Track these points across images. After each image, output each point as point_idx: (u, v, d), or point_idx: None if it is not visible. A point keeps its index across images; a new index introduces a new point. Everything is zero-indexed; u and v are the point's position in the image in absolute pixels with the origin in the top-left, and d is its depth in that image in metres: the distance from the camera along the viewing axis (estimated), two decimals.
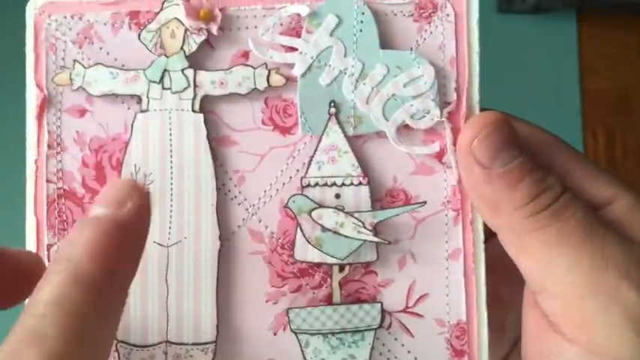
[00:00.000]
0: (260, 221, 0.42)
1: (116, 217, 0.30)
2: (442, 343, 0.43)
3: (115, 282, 0.29)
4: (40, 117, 0.42)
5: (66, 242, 0.30)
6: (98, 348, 0.28)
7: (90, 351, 0.27)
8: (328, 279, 0.43)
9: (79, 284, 0.27)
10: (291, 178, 0.43)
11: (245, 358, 0.43)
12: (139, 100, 0.42)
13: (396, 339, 0.43)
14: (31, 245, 0.43)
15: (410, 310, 0.43)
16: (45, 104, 0.42)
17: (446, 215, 0.43)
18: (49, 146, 0.42)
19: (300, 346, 0.43)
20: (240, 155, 0.42)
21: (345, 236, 0.42)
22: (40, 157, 0.42)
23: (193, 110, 0.42)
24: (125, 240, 0.30)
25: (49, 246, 0.43)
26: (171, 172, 0.42)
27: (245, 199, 0.42)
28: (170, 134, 0.42)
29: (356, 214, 0.42)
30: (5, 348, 0.26)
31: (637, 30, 1.20)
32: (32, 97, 0.42)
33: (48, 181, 0.42)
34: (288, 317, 0.42)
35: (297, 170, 0.43)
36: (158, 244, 0.43)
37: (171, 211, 0.43)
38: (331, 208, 0.42)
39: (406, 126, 0.43)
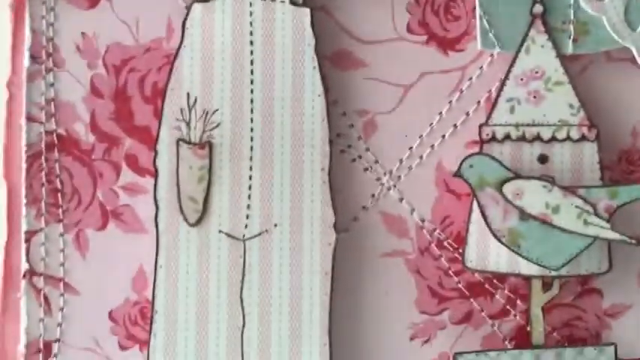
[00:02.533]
0: (402, 199, 0.27)
1: None
2: None
3: None
4: (19, 8, 0.26)
5: None
6: None
7: None
8: (519, 302, 0.25)
9: None
10: (456, 127, 0.27)
11: None
12: None
13: None
14: None
15: None
16: None
17: None
18: (33, 57, 0.26)
19: None
20: (368, 85, 0.26)
21: (563, 229, 0.24)
22: (17, 76, 0.26)
23: (292, 1, 0.25)
24: None
25: (30, 234, 0.26)
26: (252, 110, 0.25)
27: (376, 162, 0.27)
28: (251, 42, 0.25)
29: (580, 192, 0.25)
30: None
31: None
32: None
33: (30, 118, 0.26)
34: None
35: (468, 114, 0.27)
36: (228, 235, 0.25)
37: (250, 178, 0.25)
38: (537, 179, 0.24)
39: None
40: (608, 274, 0.26)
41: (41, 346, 0.25)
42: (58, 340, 0.25)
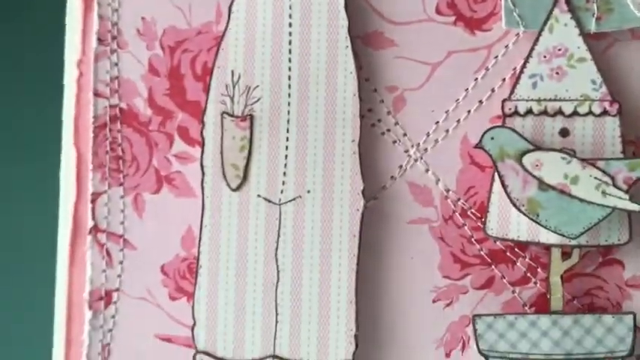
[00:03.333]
0: (427, 170, 0.27)
1: None
2: None
3: None
4: None
5: None
6: None
7: None
8: (540, 270, 0.26)
9: None
10: (481, 102, 0.27)
11: None
12: None
13: None
14: (68, 194, 0.28)
15: None
16: None
17: None
18: (100, 40, 0.28)
19: None
20: (398, 63, 0.27)
21: (581, 199, 0.24)
22: (86, 56, 0.28)
23: None
24: None
25: (95, 195, 0.28)
26: (290, 86, 0.27)
27: (404, 135, 0.27)
28: (290, 24, 0.27)
29: (600, 164, 0.25)
30: None
31: None
32: None
33: (96, 94, 0.28)
34: (475, 329, 0.26)
35: (493, 90, 0.27)
36: (266, 199, 0.27)
37: (287, 148, 0.27)
38: (556, 151, 0.25)
39: None
40: (629, 245, 0.25)
41: (103, 294, 0.27)
42: (117, 290, 0.27)
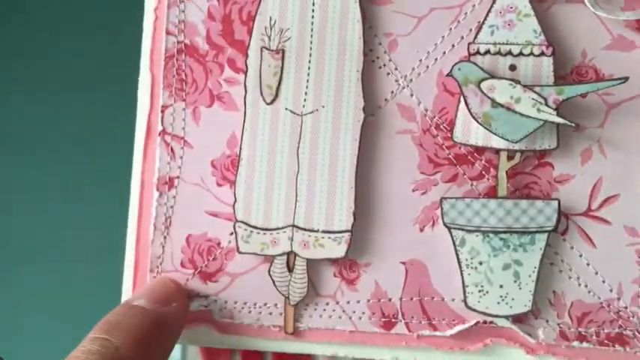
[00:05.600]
0: (412, 95, 0.34)
1: (161, 313, 0.32)
2: (631, 256, 0.33)
3: None
4: None
5: (109, 323, 0.30)
6: None
7: None
8: (492, 169, 0.33)
9: None
10: (454, 46, 0.34)
11: (384, 253, 0.34)
12: None
13: (572, 247, 0.33)
14: (144, 105, 0.36)
15: (593, 213, 0.33)
16: None
17: None
18: None
19: (454, 244, 0.33)
20: (393, 16, 0.34)
21: (521, 114, 0.32)
22: (161, 4, 0.36)
23: None
24: (165, 334, 0.31)
25: (164, 107, 0.35)
26: (312, 30, 0.34)
27: (396, 69, 0.34)
28: None
29: (537, 89, 0.32)
30: None
31: None
32: None
33: (168, 32, 0.36)
34: (442, 208, 0.33)
35: (462, 37, 0.34)
36: (291, 111, 0.34)
37: (308, 74, 0.34)
38: (505, 79, 0.32)
39: None
40: (557, 150, 0.32)
41: (167, 180, 0.35)
42: (178, 177, 0.34)
